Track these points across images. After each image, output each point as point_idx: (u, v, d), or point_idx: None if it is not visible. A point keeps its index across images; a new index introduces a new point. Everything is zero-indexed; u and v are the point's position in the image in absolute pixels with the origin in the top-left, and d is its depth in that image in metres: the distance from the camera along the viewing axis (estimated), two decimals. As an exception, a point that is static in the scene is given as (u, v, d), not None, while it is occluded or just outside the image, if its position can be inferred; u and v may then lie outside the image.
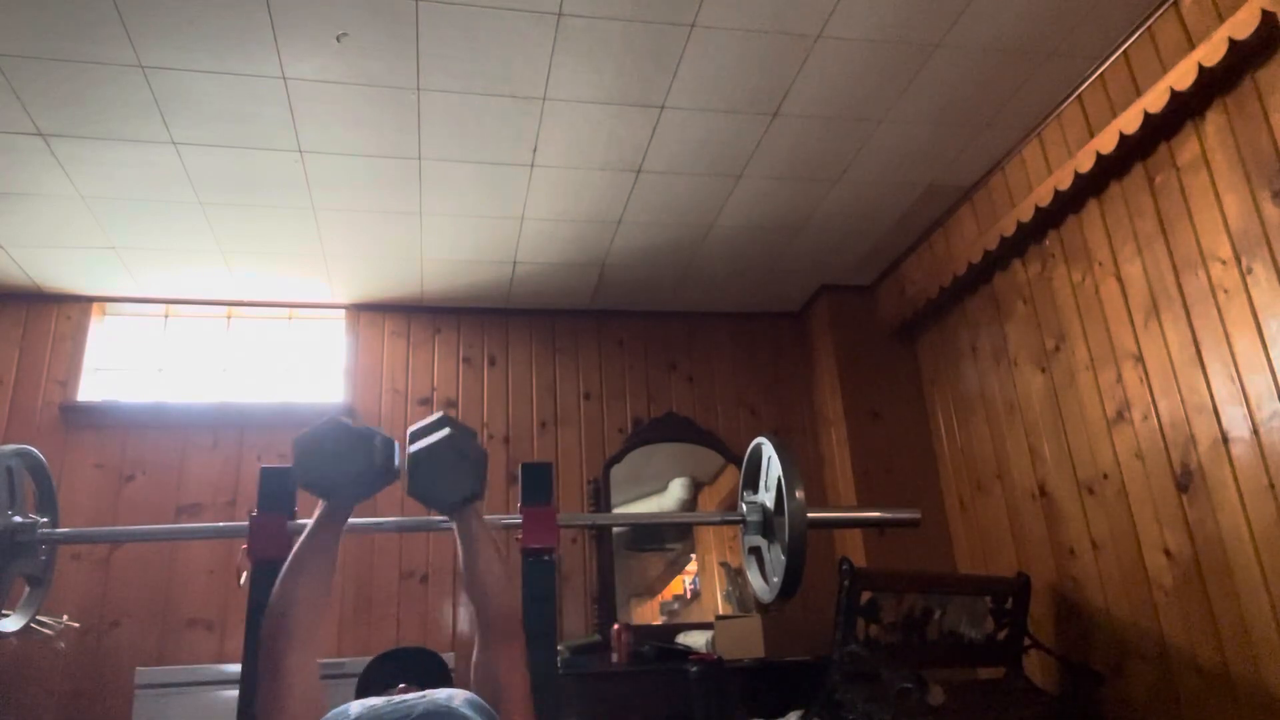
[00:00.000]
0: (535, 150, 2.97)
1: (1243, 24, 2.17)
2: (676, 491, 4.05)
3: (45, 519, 1.76)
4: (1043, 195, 2.93)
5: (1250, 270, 2.27)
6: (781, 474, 1.67)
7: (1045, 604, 3.04)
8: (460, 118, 2.78)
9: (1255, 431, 2.25)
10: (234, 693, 1.73)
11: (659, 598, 4.01)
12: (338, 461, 1.53)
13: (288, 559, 1.49)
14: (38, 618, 1.95)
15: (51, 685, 3.26)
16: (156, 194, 3.09)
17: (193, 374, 3.88)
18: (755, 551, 1.81)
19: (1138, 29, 2.55)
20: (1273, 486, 2.20)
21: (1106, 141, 2.64)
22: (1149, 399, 2.61)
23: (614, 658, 3.36)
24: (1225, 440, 2.35)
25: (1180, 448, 2.50)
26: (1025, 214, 3.02)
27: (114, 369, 3.83)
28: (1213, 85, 2.34)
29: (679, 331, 4.29)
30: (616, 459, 3.99)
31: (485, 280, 3.89)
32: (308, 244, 3.50)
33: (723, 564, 3.98)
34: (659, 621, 3.89)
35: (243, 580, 1.69)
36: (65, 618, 3.16)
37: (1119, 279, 2.74)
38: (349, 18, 2.35)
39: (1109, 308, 2.79)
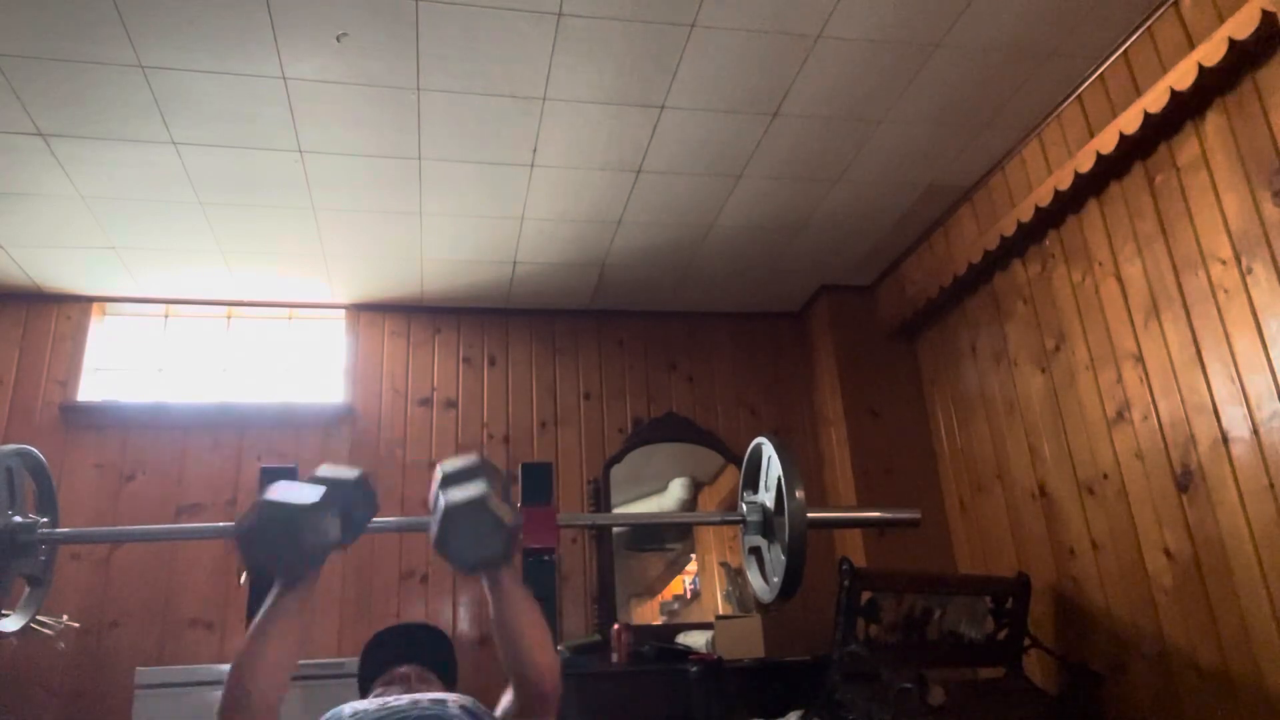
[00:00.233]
0: (535, 150, 2.97)
1: (1243, 24, 2.17)
2: (676, 491, 4.05)
3: (45, 519, 1.75)
4: (1043, 195, 2.93)
5: (1250, 270, 2.27)
6: (781, 474, 1.67)
7: (1045, 604, 3.04)
8: (460, 118, 2.78)
9: (1255, 431, 2.25)
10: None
11: (659, 598, 4.01)
12: (281, 546, 1.39)
13: (253, 625, 1.38)
14: (38, 618, 1.95)
15: (51, 685, 3.26)
16: (156, 194, 3.09)
17: (193, 374, 3.88)
18: (755, 551, 1.81)
19: (1138, 29, 2.55)
20: (1273, 486, 2.20)
21: (1106, 141, 2.64)
22: (1149, 399, 2.61)
23: (614, 658, 3.36)
24: (1225, 440, 2.34)
25: (1180, 448, 2.50)
26: (1025, 214, 3.02)
27: (114, 369, 3.83)
28: (1213, 85, 2.34)
29: (679, 331, 4.29)
30: (616, 459, 3.99)
31: (485, 280, 3.89)
32: (308, 244, 3.50)
33: (723, 564, 3.98)
34: (659, 621, 3.89)
35: (243, 580, 1.69)
36: (65, 618, 3.16)
37: (1119, 279, 2.74)
38: (349, 18, 2.35)
39: (1109, 308, 2.79)
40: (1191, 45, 2.35)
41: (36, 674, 3.25)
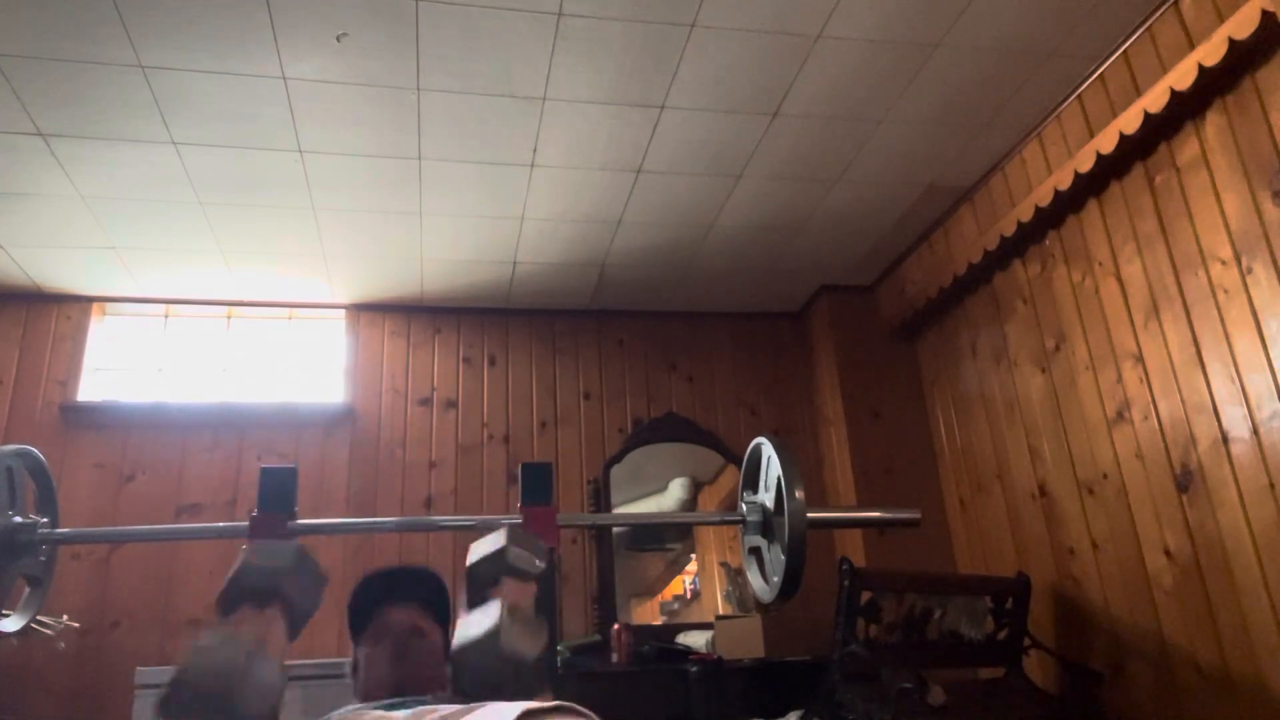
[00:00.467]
0: (535, 150, 2.97)
1: (1243, 24, 2.17)
2: (676, 491, 4.05)
3: (45, 519, 1.75)
4: (1043, 195, 2.93)
5: (1250, 270, 2.27)
6: (781, 474, 1.67)
7: (1045, 604, 3.04)
8: (460, 118, 2.78)
9: (1255, 431, 2.25)
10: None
11: (659, 598, 4.01)
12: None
13: None
14: (38, 618, 1.95)
15: (51, 685, 3.26)
16: (156, 194, 3.09)
17: (193, 374, 3.88)
18: (755, 551, 1.81)
19: (1138, 29, 2.55)
20: (1273, 486, 2.20)
21: (1106, 141, 2.64)
22: (1149, 399, 2.61)
23: (614, 658, 3.35)
24: (1225, 440, 2.34)
25: (1180, 448, 2.50)
26: (1025, 214, 3.02)
27: (114, 369, 3.83)
28: (1213, 85, 2.34)
29: (679, 331, 4.29)
30: (616, 459, 3.99)
31: (485, 280, 3.89)
32: (308, 244, 3.49)
33: (723, 564, 3.98)
34: (659, 621, 3.89)
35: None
36: (65, 618, 3.16)
37: (1119, 279, 2.74)
38: (349, 18, 2.35)
39: (1109, 308, 2.79)
40: (1191, 45, 2.35)
41: (36, 674, 3.25)
